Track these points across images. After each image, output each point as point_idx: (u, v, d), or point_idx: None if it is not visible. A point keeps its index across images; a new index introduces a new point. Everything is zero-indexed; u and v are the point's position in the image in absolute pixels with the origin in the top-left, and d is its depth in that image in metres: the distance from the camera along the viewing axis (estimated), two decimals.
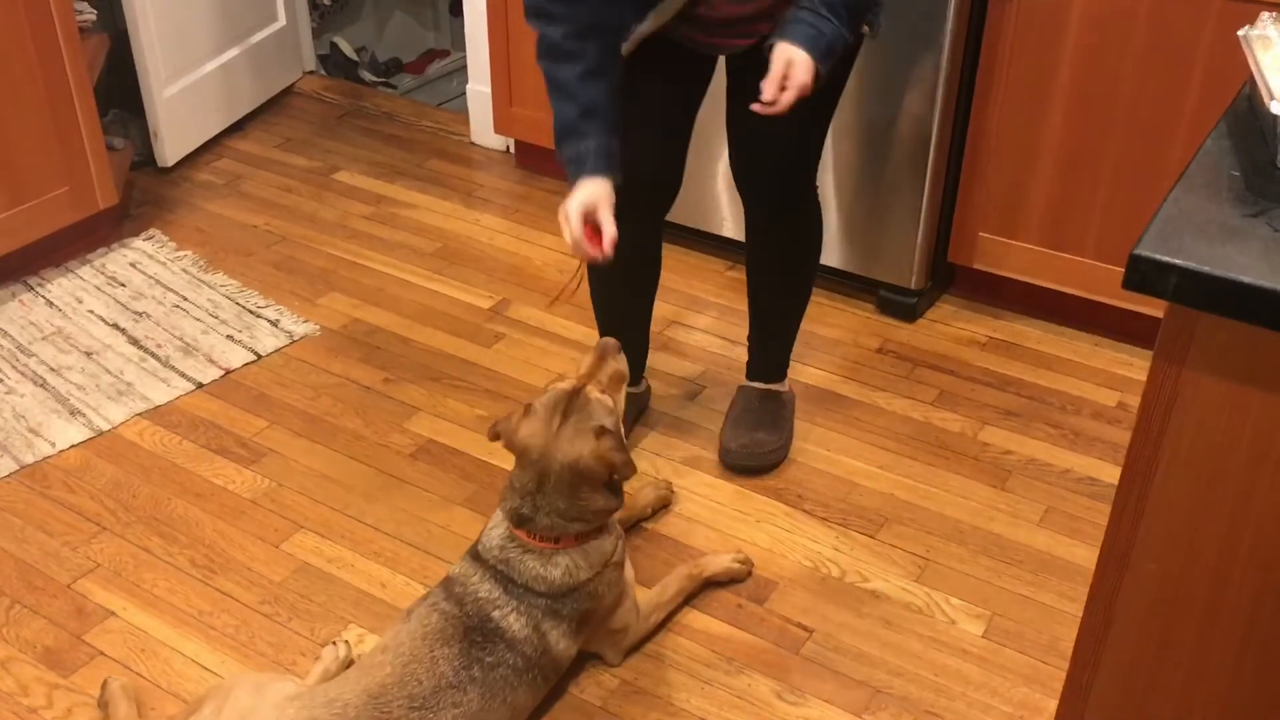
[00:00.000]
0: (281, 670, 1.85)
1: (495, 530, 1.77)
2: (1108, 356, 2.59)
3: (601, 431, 1.71)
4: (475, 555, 1.77)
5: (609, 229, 1.78)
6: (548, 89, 1.84)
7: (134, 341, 2.61)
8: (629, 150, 1.84)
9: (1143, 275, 0.90)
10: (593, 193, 1.78)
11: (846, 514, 2.17)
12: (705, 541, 2.11)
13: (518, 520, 1.74)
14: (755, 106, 1.73)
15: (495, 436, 1.78)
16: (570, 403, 1.73)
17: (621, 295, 2.24)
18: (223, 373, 2.52)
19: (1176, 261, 0.88)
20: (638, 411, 2.37)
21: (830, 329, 2.67)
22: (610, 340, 1.86)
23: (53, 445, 2.30)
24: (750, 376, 2.36)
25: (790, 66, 1.71)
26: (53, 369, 2.51)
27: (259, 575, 2.03)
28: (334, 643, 1.85)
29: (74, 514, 2.15)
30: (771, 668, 1.87)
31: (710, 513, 2.17)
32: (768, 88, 1.71)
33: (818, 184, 2.14)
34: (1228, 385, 0.92)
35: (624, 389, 1.86)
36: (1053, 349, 2.62)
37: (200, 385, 2.48)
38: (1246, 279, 0.86)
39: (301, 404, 2.44)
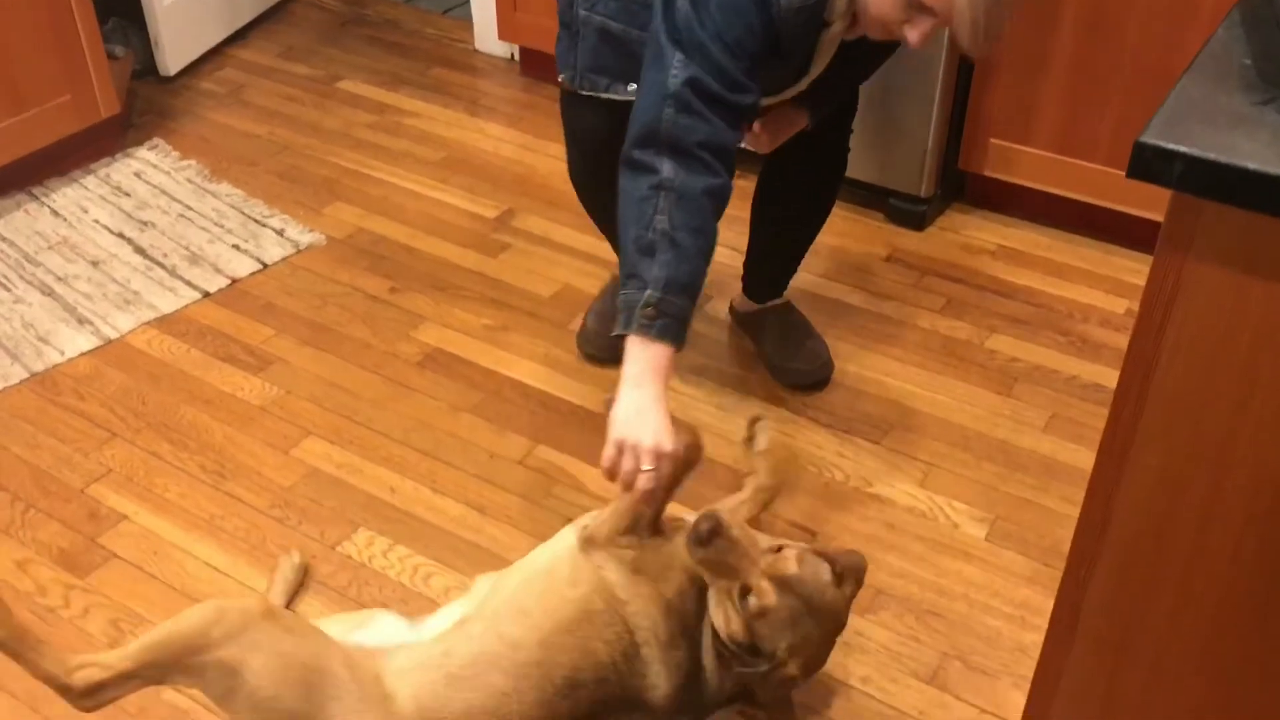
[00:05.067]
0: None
1: None
2: (1117, 264, 2.57)
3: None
4: None
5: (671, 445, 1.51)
6: (630, 204, 1.58)
7: (140, 251, 2.60)
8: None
9: (1147, 163, 0.89)
10: (661, 388, 1.53)
11: (851, 421, 2.18)
12: (714, 448, 2.12)
13: None
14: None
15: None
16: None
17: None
18: (229, 281, 2.52)
19: (1182, 149, 0.87)
20: None
21: (838, 238, 2.65)
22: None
23: (62, 353, 2.31)
24: (761, 298, 2.31)
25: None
26: (59, 278, 2.51)
27: (268, 480, 2.05)
28: (289, 552, 1.87)
29: (85, 420, 2.17)
30: None
31: (719, 421, 2.17)
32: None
33: None
34: (1231, 275, 0.91)
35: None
36: (1061, 256, 2.60)
37: (207, 294, 2.49)
38: (1253, 166, 0.85)
39: (308, 313, 2.45)
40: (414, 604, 1.82)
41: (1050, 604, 1.20)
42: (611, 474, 1.52)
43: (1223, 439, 0.97)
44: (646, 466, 1.48)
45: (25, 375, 2.26)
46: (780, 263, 2.28)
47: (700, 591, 1.53)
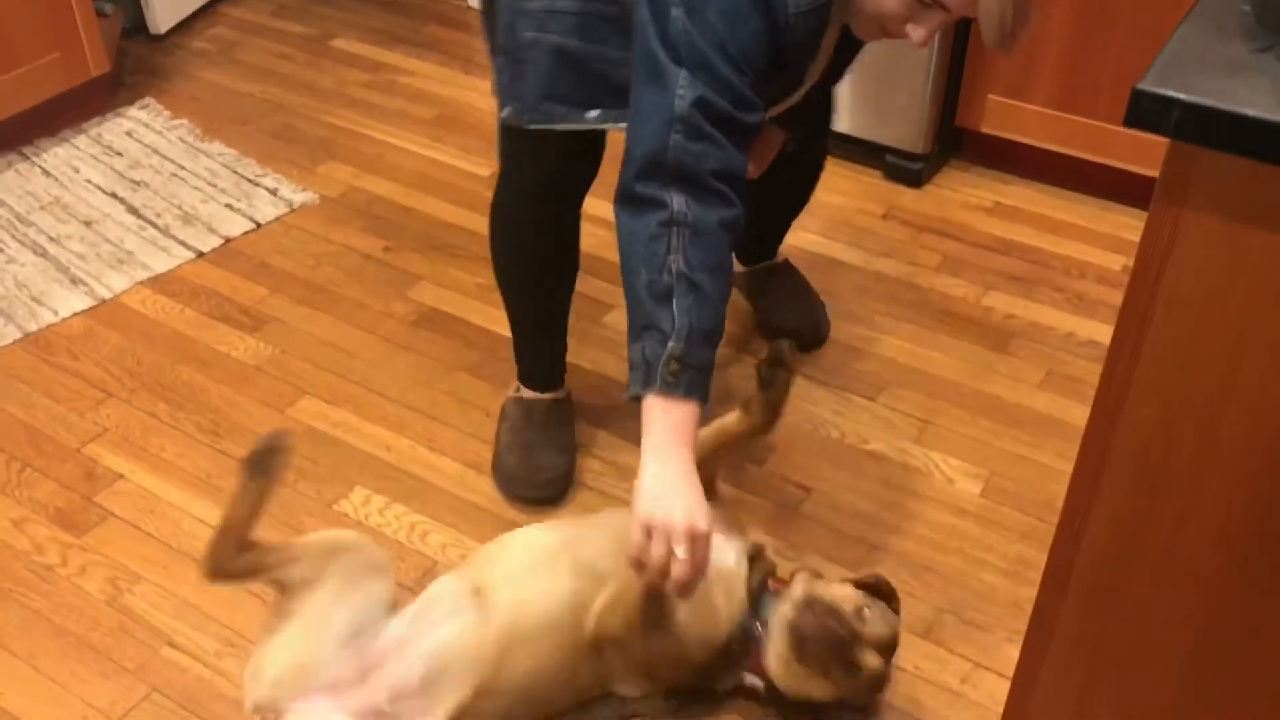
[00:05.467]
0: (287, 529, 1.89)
1: None
2: (1114, 220, 2.56)
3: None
4: None
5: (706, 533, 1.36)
6: (637, 245, 1.41)
7: (133, 210, 2.59)
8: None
9: (1144, 111, 0.88)
10: (690, 454, 1.39)
11: (847, 379, 2.18)
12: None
13: None
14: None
15: None
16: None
17: (548, 288, 1.94)
18: (223, 241, 2.51)
19: (1179, 96, 0.86)
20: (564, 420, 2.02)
21: (835, 195, 2.64)
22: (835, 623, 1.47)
23: (55, 313, 2.30)
24: (751, 260, 2.26)
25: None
26: (52, 238, 2.50)
27: None
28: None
29: (80, 380, 2.17)
30: (770, 525, 1.89)
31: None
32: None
33: None
34: (1227, 225, 0.90)
35: None
36: (1059, 214, 2.59)
37: (201, 254, 2.48)
38: (1251, 112, 0.84)
39: (302, 272, 2.44)
40: (410, 560, 1.83)
41: (1044, 558, 1.21)
42: (640, 564, 1.36)
43: (1217, 390, 0.97)
44: (681, 553, 1.33)
45: (19, 335, 2.26)
46: (769, 228, 2.24)
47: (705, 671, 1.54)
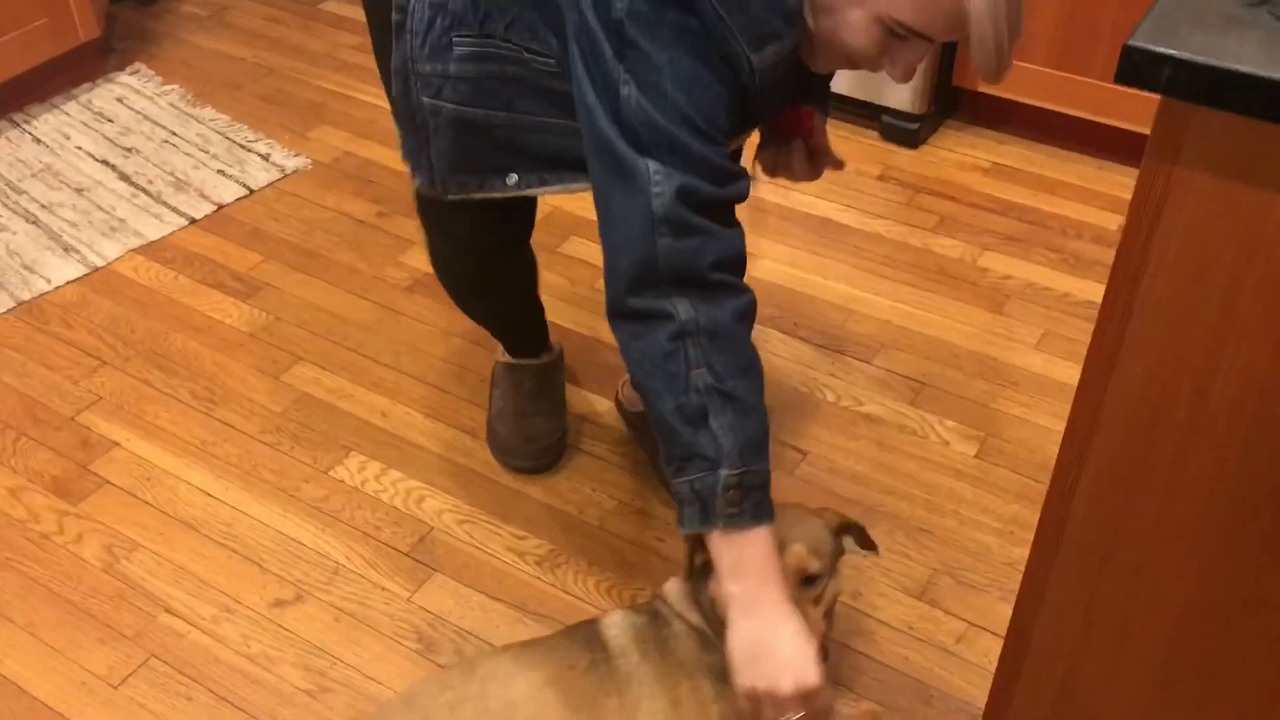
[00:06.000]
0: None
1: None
2: (1111, 180, 2.55)
3: (782, 546, 1.27)
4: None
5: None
6: (651, 367, 1.25)
7: (124, 177, 2.57)
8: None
9: (1135, 68, 0.87)
10: (781, 590, 1.23)
11: (843, 341, 2.18)
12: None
13: None
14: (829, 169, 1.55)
15: None
16: (785, 508, 1.30)
17: (507, 299, 1.84)
18: (215, 208, 2.50)
19: (1171, 52, 0.85)
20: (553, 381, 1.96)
21: None
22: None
23: (48, 282, 2.30)
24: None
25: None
26: (44, 206, 2.49)
27: (259, 406, 2.05)
28: None
29: (73, 349, 2.16)
30: None
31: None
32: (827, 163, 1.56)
33: None
34: (1219, 182, 0.89)
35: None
36: (1056, 173, 2.58)
37: (193, 220, 2.47)
38: (1243, 68, 0.83)
39: (295, 238, 2.43)
40: (407, 526, 1.83)
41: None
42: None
43: (1209, 347, 0.97)
44: (795, 717, 1.20)
45: (12, 304, 2.25)
46: None
47: None
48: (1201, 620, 1.10)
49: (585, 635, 1.35)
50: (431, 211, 1.64)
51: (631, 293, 1.25)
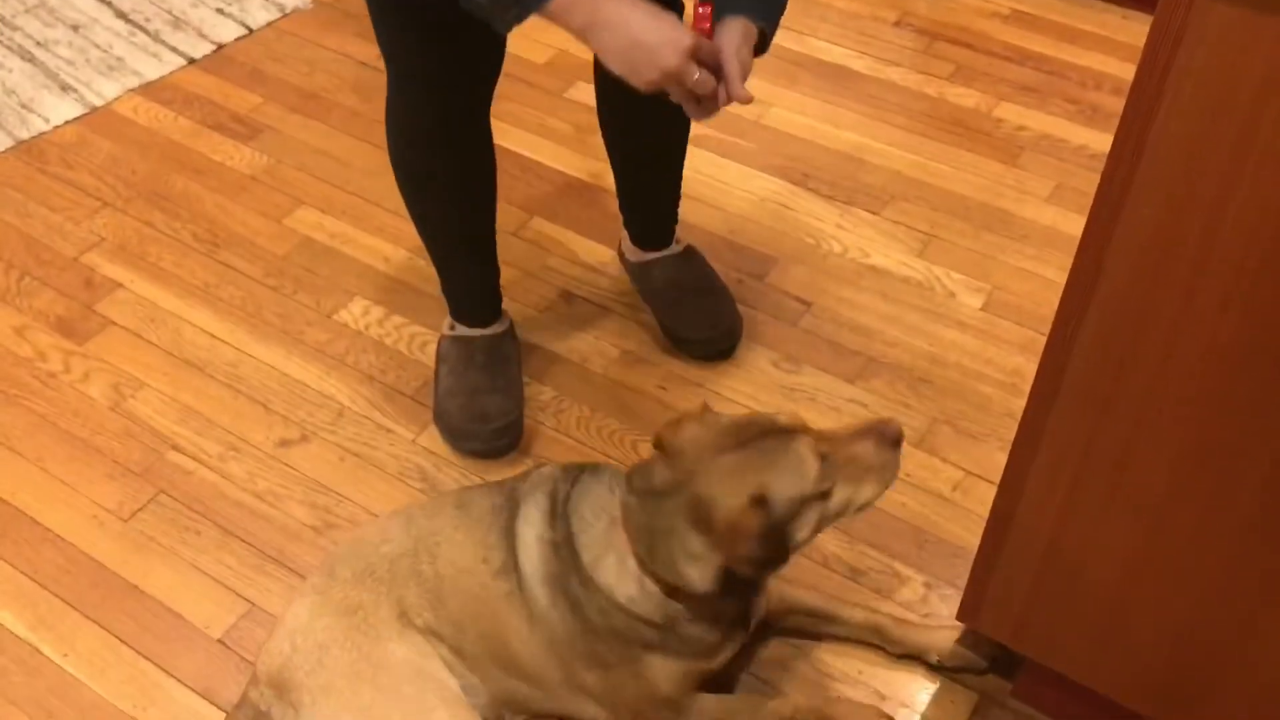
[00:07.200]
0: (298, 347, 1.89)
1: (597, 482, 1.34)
2: (1134, 30, 2.47)
3: (758, 503, 1.18)
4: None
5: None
6: None
7: (121, 15, 2.51)
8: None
9: None
10: None
11: (852, 191, 2.14)
12: (707, 227, 2.09)
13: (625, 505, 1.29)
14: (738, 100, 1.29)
15: (658, 444, 1.27)
16: (762, 436, 1.22)
17: (464, 203, 1.69)
18: (214, 47, 2.44)
19: None
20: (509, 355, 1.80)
21: (846, 1, 2.54)
22: (895, 426, 1.26)
23: (47, 121, 2.26)
24: (646, 244, 1.90)
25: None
26: (39, 43, 2.44)
27: (262, 249, 2.04)
28: None
29: (75, 189, 2.14)
30: (769, 339, 1.89)
31: (716, 194, 2.14)
32: (742, 89, 1.29)
33: None
34: (1240, 13, 0.86)
35: (866, 495, 1.26)
36: (1077, 22, 2.50)
37: (192, 60, 2.41)
38: None
39: (296, 80, 2.38)
40: (411, 370, 1.84)
41: None
42: (691, 101, 1.26)
43: (1220, 187, 0.94)
44: (695, 80, 1.23)
45: (11, 143, 2.22)
46: (652, 194, 1.87)
47: None
48: (1196, 468, 1.10)
49: (504, 525, 1.34)
50: (388, 37, 1.48)
51: None
